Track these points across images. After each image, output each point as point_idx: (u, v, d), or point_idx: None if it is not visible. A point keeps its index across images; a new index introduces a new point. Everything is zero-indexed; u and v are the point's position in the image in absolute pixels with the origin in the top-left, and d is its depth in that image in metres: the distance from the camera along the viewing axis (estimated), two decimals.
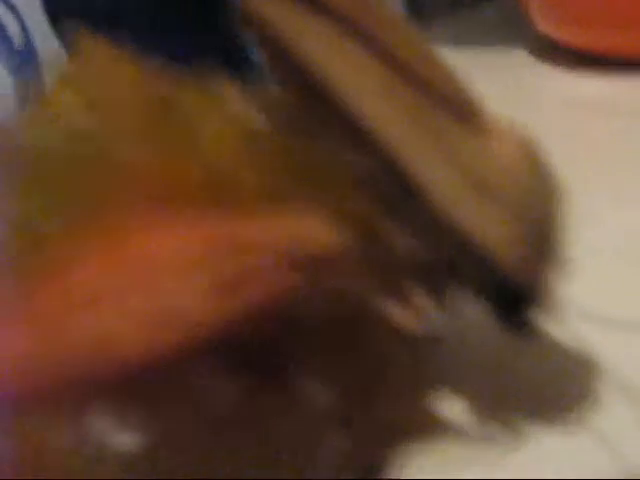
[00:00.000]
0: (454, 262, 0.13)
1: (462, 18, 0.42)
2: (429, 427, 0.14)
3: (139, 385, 0.10)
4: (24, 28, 0.26)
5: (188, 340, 0.10)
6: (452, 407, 0.14)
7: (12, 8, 0.26)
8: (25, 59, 0.26)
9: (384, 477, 0.13)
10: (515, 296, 0.13)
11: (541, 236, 0.13)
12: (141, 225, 0.11)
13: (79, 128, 0.12)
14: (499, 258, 0.12)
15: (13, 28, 0.26)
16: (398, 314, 0.13)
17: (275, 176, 0.12)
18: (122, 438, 0.10)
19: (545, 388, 0.15)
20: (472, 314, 0.14)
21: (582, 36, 0.33)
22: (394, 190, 0.12)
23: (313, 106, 0.13)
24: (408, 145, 0.12)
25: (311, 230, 0.11)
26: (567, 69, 0.33)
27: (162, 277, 0.11)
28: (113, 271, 0.11)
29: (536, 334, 0.14)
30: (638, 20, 0.30)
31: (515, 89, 0.33)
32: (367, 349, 0.13)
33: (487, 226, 0.12)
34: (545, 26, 0.34)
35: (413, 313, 0.13)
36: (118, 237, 0.11)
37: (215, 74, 0.13)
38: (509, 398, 0.15)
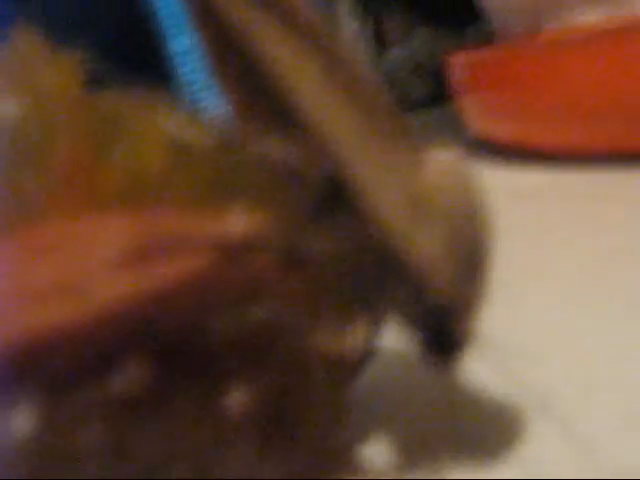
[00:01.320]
0: (382, 279, 0.13)
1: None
2: (348, 468, 0.13)
3: (40, 363, 0.10)
4: None
5: (96, 315, 0.10)
6: (372, 447, 0.14)
7: None
8: None
9: None
10: (441, 324, 0.13)
11: (471, 260, 0.13)
12: (62, 218, 0.11)
13: (8, 115, 0.12)
14: (430, 275, 0.12)
15: None
16: (328, 336, 0.12)
17: (203, 187, 0.12)
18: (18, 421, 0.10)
19: (471, 427, 0.14)
20: (394, 345, 0.14)
21: (509, 133, 0.34)
22: (328, 194, 0.12)
23: (255, 103, 0.13)
24: (352, 149, 0.12)
25: (231, 220, 0.11)
26: (496, 163, 0.35)
27: (67, 254, 0.10)
28: (20, 250, 0.10)
29: (458, 367, 0.13)
30: (558, 119, 0.31)
31: None
32: (290, 367, 0.12)
33: (420, 242, 0.12)
34: (476, 125, 0.36)
35: (345, 338, 0.13)
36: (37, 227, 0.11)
37: (149, 86, 0.13)
38: (433, 439, 0.14)
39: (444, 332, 0.13)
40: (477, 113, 0.35)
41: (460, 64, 0.36)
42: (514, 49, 0.32)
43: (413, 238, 0.12)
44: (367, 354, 0.14)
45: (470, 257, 0.13)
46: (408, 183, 0.12)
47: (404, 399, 0.16)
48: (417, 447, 0.14)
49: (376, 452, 0.14)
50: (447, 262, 0.12)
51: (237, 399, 0.11)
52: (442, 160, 0.13)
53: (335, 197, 0.12)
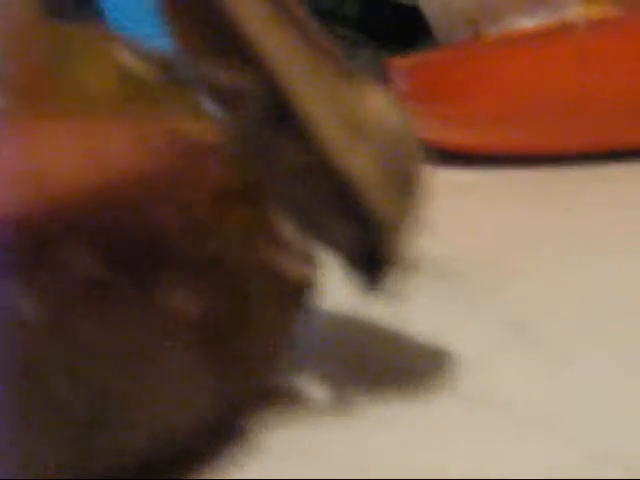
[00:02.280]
0: (321, 202, 0.13)
1: None
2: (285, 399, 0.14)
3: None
4: None
5: (51, 199, 0.10)
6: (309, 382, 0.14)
7: None
8: None
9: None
10: (373, 240, 0.13)
11: (403, 184, 0.13)
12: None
13: None
14: (364, 192, 0.13)
15: None
16: (272, 254, 0.13)
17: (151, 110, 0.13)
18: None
19: (412, 361, 0.15)
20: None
21: (449, 136, 0.35)
22: (273, 116, 0.13)
23: (205, 36, 0.13)
24: (293, 73, 0.13)
25: (187, 125, 0.12)
26: (439, 164, 0.36)
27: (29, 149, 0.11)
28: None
29: (389, 291, 0.14)
30: (496, 120, 0.32)
31: None
32: (234, 282, 0.12)
33: (357, 161, 0.13)
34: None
35: (290, 258, 0.13)
36: None
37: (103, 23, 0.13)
38: (371, 373, 0.15)
39: (375, 249, 0.13)
40: (418, 116, 0.36)
41: (401, 68, 0.37)
42: (453, 52, 0.33)
43: (350, 157, 0.13)
44: (309, 285, 0.14)
45: (402, 182, 0.13)
46: (349, 111, 0.13)
47: (342, 335, 0.16)
48: (353, 382, 0.14)
49: (312, 386, 0.14)
50: (381, 182, 0.13)
51: (180, 302, 0.12)
52: (381, 94, 0.14)
53: (280, 119, 0.13)
